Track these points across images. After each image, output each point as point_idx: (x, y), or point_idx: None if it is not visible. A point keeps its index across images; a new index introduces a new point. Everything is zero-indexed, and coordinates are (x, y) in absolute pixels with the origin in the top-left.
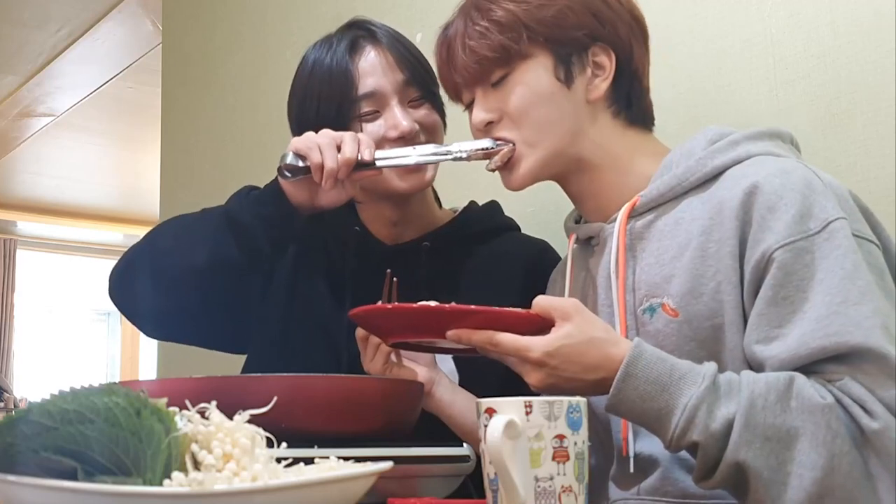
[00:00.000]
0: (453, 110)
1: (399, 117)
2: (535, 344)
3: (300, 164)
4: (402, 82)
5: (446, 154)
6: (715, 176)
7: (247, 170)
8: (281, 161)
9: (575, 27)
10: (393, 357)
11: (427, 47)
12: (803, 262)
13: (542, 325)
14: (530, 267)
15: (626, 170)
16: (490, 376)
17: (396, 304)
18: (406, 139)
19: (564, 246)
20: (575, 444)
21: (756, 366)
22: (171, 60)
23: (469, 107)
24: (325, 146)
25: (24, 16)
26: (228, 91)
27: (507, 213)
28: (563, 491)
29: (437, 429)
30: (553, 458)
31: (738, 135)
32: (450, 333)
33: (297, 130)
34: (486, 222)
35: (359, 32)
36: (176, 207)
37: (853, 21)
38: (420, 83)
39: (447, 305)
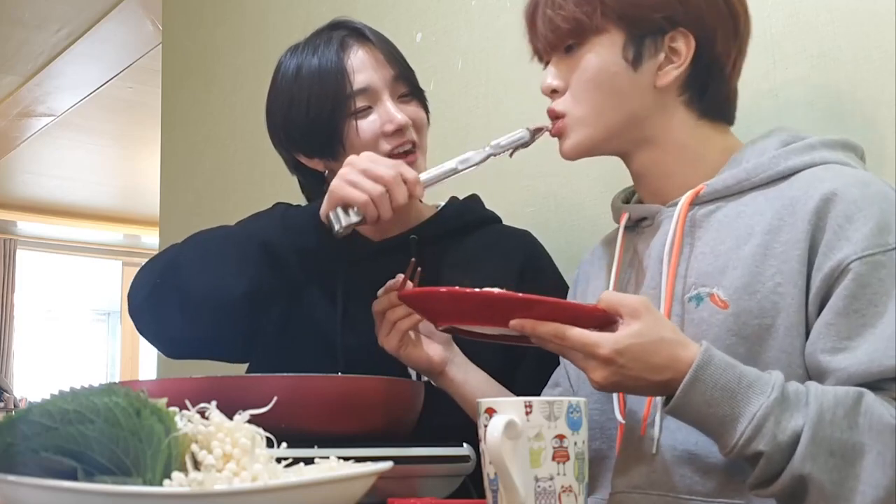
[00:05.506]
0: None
1: (393, 111)
2: (604, 340)
3: (354, 219)
4: (392, 78)
5: (487, 154)
6: (785, 176)
7: (247, 170)
8: (337, 226)
9: (653, 8)
10: (411, 334)
11: (427, 47)
12: (878, 276)
13: (605, 321)
14: (524, 258)
15: (692, 161)
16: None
17: (457, 288)
18: (401, 132)
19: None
20: (575, 444)
21: (818, 375)
22: (171, 60)
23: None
24: (376, 196)
25: (24, 16)
26: (229, 91)
27: (507, 212)
28: (563, 491)
29: (437, 429)
30: (553, 458)
31: (814, 139)
32: (515, 323)
33: (284, 137)
34: (471, 214)
35: (344, 32)
36: (176, 207)
37: (853, 21)
38: (408, 79)
39: (513, 293)
